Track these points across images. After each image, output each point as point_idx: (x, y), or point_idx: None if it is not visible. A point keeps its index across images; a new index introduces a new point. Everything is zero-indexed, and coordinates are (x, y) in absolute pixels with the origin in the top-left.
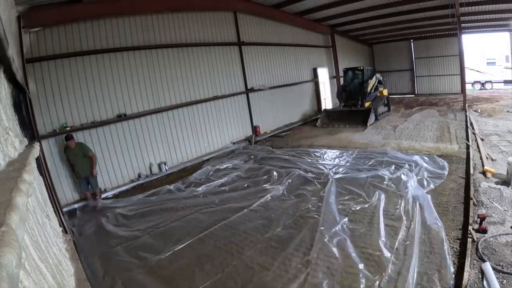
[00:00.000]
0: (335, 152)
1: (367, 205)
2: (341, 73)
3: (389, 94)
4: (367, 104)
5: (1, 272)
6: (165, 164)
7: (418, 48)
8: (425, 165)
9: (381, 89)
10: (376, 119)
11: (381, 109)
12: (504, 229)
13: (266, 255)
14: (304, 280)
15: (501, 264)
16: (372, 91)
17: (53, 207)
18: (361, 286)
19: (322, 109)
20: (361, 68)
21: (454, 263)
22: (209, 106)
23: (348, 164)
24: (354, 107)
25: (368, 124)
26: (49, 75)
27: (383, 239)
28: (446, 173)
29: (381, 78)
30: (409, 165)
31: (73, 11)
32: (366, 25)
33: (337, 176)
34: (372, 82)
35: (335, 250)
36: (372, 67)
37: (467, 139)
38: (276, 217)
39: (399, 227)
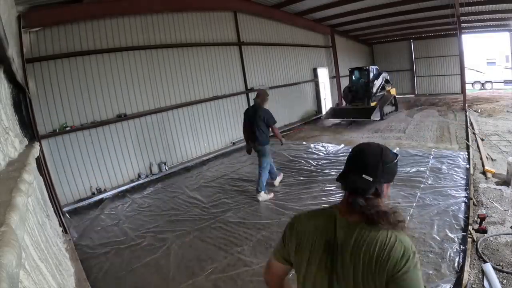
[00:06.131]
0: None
1: None
2: (341, 73)
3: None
4: (373, 104)
5: (1, 272)
6: (165, 164)
7: (418, 48)
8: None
9: (388, 88)
10: (382, 118)
11: (388, 108)
12: (504, 229)
13: None
14: None
15: (501, 264)
16: (379, 91)
17: (53, 207)
18: None
19: (330, 107)
20: (366, 68)
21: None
22: (209, 106)
23: None
24: (361, 105)
25: (371, 119)
26: (49, 75)
27: None
28: None
29: (388, 77)
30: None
31: (73, 11)
32: (366, 25)
33: None
34: (378, 82)
35: None
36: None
37: (467, 139)
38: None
39: None
